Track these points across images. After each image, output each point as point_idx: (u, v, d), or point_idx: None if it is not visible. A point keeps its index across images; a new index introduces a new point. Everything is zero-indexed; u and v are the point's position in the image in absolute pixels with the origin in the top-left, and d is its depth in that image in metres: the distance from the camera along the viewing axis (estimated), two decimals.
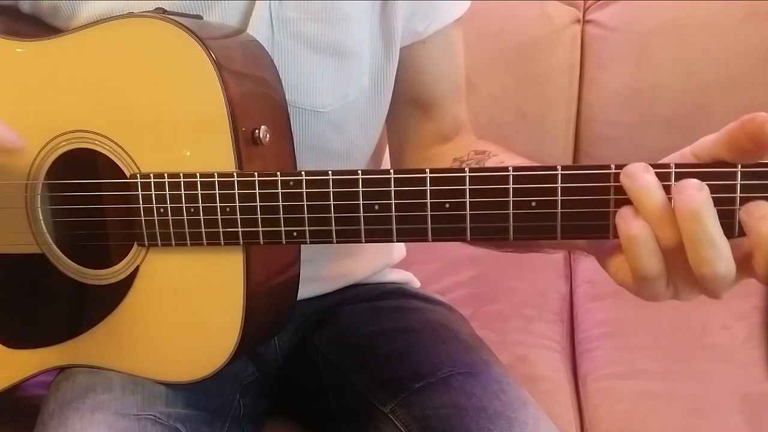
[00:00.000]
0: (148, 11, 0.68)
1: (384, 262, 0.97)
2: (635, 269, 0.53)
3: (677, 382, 1.04)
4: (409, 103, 0.86)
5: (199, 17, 0.72)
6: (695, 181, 0.51)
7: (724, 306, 1.16)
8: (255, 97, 0.69)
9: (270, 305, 0.72)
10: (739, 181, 0.52)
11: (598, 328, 1.17)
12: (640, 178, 0.52)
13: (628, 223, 0.52)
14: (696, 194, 0.50)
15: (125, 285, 0.70)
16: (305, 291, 0.88)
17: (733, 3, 1.35)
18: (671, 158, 0.54)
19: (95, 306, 0.72)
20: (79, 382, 0.74)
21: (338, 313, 0.91)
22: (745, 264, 0.51)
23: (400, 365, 0.80)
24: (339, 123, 0.81)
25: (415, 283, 1.01)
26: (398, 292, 0.95)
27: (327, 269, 0.91)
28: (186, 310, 0.70)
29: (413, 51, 0.83)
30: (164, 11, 0.68)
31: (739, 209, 0.51)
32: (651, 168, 0.52)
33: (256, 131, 0.66)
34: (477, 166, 0.75)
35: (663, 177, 0.52)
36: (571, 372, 1.12)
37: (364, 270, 0.94)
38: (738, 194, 0.52)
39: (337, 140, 0.82)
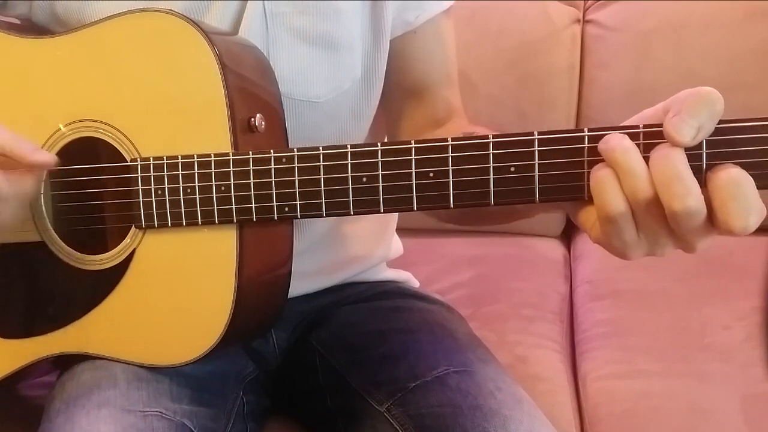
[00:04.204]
0: (156, 7, 0.70)
1: (381, 255, 0.98)
2: (600, 208, 0.56)
3: (677, 382, 1.04)
4: (402, 91, 0.88)
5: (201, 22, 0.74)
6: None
7: (724, 306, 1.16)
8: (252, 89, 0.72)
9: (262, 285, 0.73)
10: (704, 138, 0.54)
11: (598, 328, 1.17)
12: (616, 142, 0.55)
13: (597, 168, 0.56)
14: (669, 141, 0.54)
15: (122, 269, 0.72)
16: (302, 287, 0.89)
17: (733, 3, 1.34)
18: (642, 116, 0.57)
19: (92, 291, 0.74)
20: (84, 379, 0.75)
21: (336, 313, 0.91)
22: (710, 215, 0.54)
23: (397, 365, 0.80)
24: (333, 112, 0.83)
25: (414, 282, 1.02)
26: (396, 291, 0.96)
27: (322, 262, 0.91)
28: (179, 292, 0.71)
29: (405, 41, 0.86)
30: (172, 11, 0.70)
31: (706, 164, 0.55)
32: (626, 136, 0.55)
33: (252, 119, 0.69)
34: None
35: (633, 137, 0.56)
36: (571, 372, 1.11)
37: (360, 263, 0.95)
38: (704, 150, 0.54)
39: (331, 129, 0.84)
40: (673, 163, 0.53)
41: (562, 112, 1.40)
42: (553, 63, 1.39)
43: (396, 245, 1.02)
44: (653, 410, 1.00)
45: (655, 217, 0.55)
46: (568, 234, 1.46)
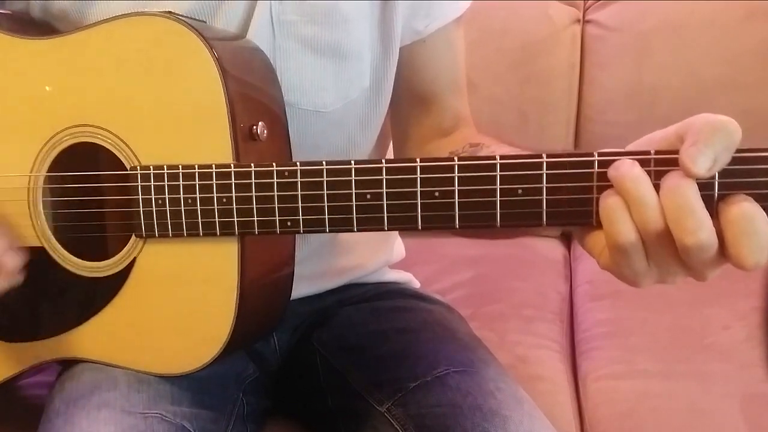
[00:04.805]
0: (155, 11, 0.69)
1: (383, 260, 0.97)
2: (610, 236, 0.54)
3: (677, 382, 1.04)
4: (409, 100, 0.87)
5: (203, 22, 0.74)
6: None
7: (724, 306, 1.16)
8: (254, 95, 0.71)
9: (264, 292, 0.73)
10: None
11: (598, 328, 1.17)
12: (626, 170, 0.53)
13: (607, 195, 0.54)
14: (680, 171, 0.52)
15: (122, 277, 0.71)
16: (303, 289, 0.88)
17: (733, 3, 1.34)
18: (651, 138, 0.56)
19: (92, 298, 0.73)
20: (84, 380, 0.75)
21: (337, 314, 0.91)
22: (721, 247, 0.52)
23: (397, 365, 0.80)
24: (340, 121, 0.82)
25: (415, 283, 1.02)
26: (397, 292, 0.95)
27: (324, 267, 0.91)
28: (181, 301, 0.70)
29: (414, 49, 0.85)
30: (171, 13, 0.69)
31: (718, 194, 0.53)
32: (636, 162, 0.54)
33: (254, 127, 0.67)
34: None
35: (643, 164, 0.54)
36: (571, 372, 1.11)
37: (362, 268, 0.95)
38: (716, 180, 0.53)
39: (338, 138, 0.83)
40: (685, 195, 0.51)
41: (562, 113, 1.40)
42: (553, 63, 1.39)
43: (398, 249, 1.01)
44: (653, 410, 1.00)
45: (665, 248, 0.53)
46: (568, 234, 1.46)
